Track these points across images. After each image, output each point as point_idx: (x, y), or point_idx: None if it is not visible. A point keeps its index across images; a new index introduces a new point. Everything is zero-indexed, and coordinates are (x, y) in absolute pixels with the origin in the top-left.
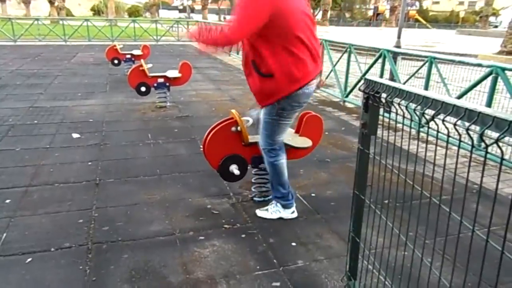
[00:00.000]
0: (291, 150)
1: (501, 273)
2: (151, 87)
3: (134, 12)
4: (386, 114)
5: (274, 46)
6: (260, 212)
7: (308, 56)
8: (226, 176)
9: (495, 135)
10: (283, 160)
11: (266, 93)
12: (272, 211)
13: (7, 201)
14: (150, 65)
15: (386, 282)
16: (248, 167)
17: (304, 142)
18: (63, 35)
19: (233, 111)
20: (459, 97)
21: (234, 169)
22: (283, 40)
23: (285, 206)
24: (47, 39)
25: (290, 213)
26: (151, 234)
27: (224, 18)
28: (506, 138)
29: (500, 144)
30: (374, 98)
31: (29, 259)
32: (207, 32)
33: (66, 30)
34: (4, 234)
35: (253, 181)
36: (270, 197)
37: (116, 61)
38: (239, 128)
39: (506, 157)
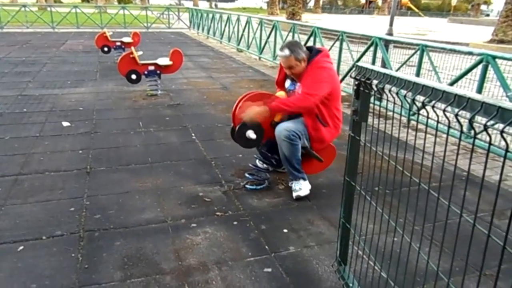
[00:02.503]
0: (304, 161)
1: (487, 258)
2: (142, 74)
3: None
4: (377, 102)
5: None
6: (297, 193)
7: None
8: (239, 136)
9: (482, 124)
10: (300, 143)
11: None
12: (300, 188)
13: None
14: (140, 53)
15: (376, 267)
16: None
17: (318, 155)
18: (51, 22)
19: (282, 93)
20: (450, 85)
21: (251, 133)
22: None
23: (304, 179)
24: (35, 26)
25: (308, 186)
26: (143, 221)
27: (216, 5)
28: (496, 125)
29: (489, 131)
30: (366, 84)
31: (21, 247)
32: (287, 102)
33: (54, 17)
34: None
35: (250, 165)
36: (263, 186)
37: (106, 49)
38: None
39: (496, 144)
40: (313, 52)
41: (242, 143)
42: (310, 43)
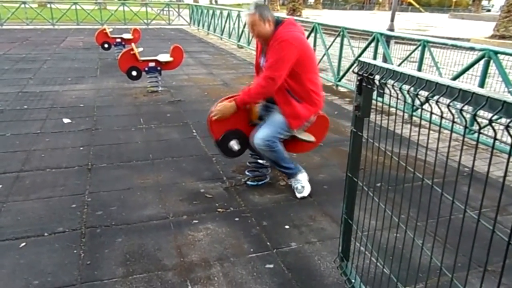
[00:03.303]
0: (293, 142)
1: (490, 253)
2: (142, 71)
3: None
4: (380, 98)
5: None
6: (301, 195)
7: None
8: (224, 150)
9: (485, 121)
10: (280, 143)
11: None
12: (302, 186)
13: None
14: (141, 49)
15: (378, 263)
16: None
17: (308, 136)
18: (51, 18)
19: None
20: (452, 80)
21: (234, 144)
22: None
23: (300, 172)
24: (35, 23)
25: (307, 177)
26: (145, 218)
27: (216, 1)
28: (499, 120)
29: (493, 125)
30: (368, 80)
31: (23, 244)
32: (249, 91)
33: (54, 13)
34: None
35: (248, 164)
36: (265, 181)
37: (106, 45)
38: (249, 105)
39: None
40: (276, 25)
41: (231, 155)
42: (311, 39)
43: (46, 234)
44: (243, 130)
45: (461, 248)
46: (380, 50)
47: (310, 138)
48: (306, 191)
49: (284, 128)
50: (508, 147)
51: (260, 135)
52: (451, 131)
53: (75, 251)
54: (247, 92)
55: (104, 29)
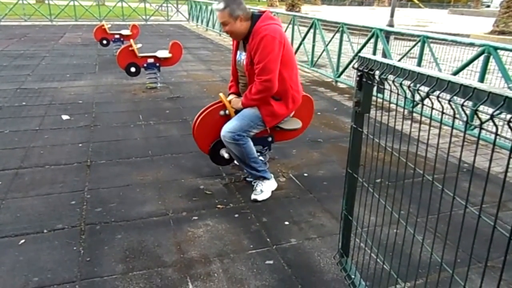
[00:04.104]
0: (281, 132)
1: (491, 249)
2: (141, 67)
3: None
4: (380, 95)
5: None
6: (255, 196)
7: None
8: (216, 159)
9: (485, 117)
10: (250, 140)
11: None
12: (261, 190)
13: None
14: (139, 45)
15: (378, 259)
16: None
17: (294, 123)
18: (49, 15)
19: (221, 94)
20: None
21: (225, 153)
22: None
23: (267, 178)
24: (33, 19)
25: (273, 182)
26: (144, 214)
27: None
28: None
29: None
30: (368, 75)
31: (22, 241)
32: (248, 97)
33: (52, 9)
34: None
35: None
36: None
37: (104, 42)
38: (227, 111)
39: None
40: (253, 19)
41: (223, 163)
42: (310, 35)
43: (45, 231)
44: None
45: (461, 244)
46: (380, 46)
47: (296, 125)
48: (262, 196)
49: (256, 122)
50: (508, 143)
51: (228, 127)
52: (452, 127)
53: (74, 248)
54: (247, 97)
55: (103, 25)
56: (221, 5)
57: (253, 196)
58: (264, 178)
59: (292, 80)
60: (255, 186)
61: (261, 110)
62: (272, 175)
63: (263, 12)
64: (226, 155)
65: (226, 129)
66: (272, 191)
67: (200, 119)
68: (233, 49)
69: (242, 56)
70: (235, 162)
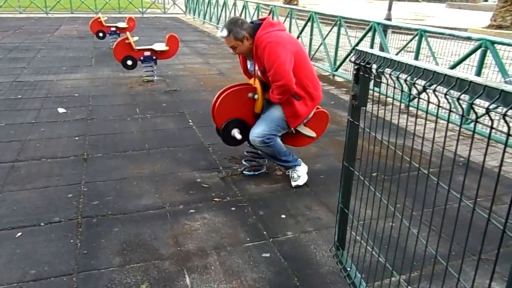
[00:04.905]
0: (295, 137)
1: (484, 242)
2: (138, 60)
3: None
4: (376, 89)
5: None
6: (296, 183)
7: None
8: (225, 137)
9: (481, 111)
10: (278, 138)
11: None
12: (298, 175)
13: None
14: (136, 38)
15: (374, 252)
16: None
17: (309, 131)
18: (44, 7)
19: (256, 80)
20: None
21: (236, 133)
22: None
23: (298, 165)
24: (28, 11)
25: (304, 165)
26: (141, 207)
27: None
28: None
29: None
30: (365, 69)
31: (19, 234)
32: (273, 95)
33: (47, 1)
34: None
35: (246, 153)
36: (261, 171)
37: (101, 34)
38: (256, 96)
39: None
40: (254, 27)
41: (232, 143)
42: (307, 28)
43: (42, 224)
44: (247, 120)
45: (455, 237)
46: (377, 39)
47: (312, 133)
48: (302, 180)
49: (281, 125)
50: (503, 138)
51: (257, 132)
52: (448, 121)
53: (71, 241)
54: (271, 96)
55: (99, 18)
56: (225, 33)
57: (294, 183)
58: (297, 165)
59: (308, 78)
60: (290, 174)
61: (284, 111)
62: (301, 160)
63: (264, 19)
64: (238, 136)
65: (255, 134)
66: (269, 185)
67: (228, 93)
68: (240, 59)
69: (254, 66)
70: (249, 147)
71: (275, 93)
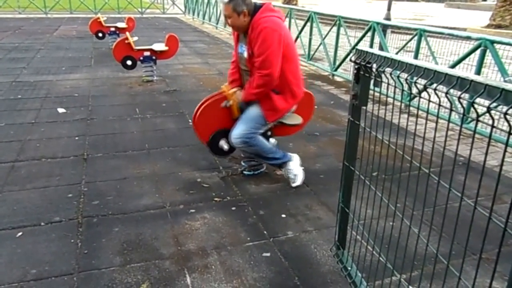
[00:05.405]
0: (282, 127)
1: (485, 242)
2: (137, 60)
3: None
4: (377, 88)
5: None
6: (296, 184)
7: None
8: (216, 151)
9: (482, 110)
10: (259, 136)
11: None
12: (294, 175)
13: None
14: (135, 38)
15: (374, 251)
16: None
17: (295, 119)
18: (43, 7)
19: (224, 86)
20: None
21: (224, 144)
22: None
23: (290, 160)
24: (27, 12)
25: (298, 163)
26: (141, 207)
27: None
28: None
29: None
30: (365, 68)
31: (20, 233)
32: (249, 91)
33: (46, 2)
34: None
35: (242, 155)
36: (261, 170)
37: (100, 34)
38: (229, 103)
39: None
40: (255, 9)
41: (224, 153)
42: (307, 28)
43: (42, 223)
44: (230, 128)
45: (456, 237)
46: (377, 39)
47: (297, 120)
48: (299, 179)
49: (260, 122)
50: (503, 137)
51: (236, 134)
52: (449, 120)
53: (72, 241)
54: (247, 91)
55: (98, 18)
56: None
57: (293, 185)
58: (287, 162)
59: (292, 74)
60: (285, 174)
61: (261, 105)
62: (293, 155)
63: (264, 4)
64: (225, 147)
65: (234, 136)
66: (269, 184)
67: (202, 110)
68: (234, 41)
69: (243, 48)
70: (243, 155)
71: (254, 84)
